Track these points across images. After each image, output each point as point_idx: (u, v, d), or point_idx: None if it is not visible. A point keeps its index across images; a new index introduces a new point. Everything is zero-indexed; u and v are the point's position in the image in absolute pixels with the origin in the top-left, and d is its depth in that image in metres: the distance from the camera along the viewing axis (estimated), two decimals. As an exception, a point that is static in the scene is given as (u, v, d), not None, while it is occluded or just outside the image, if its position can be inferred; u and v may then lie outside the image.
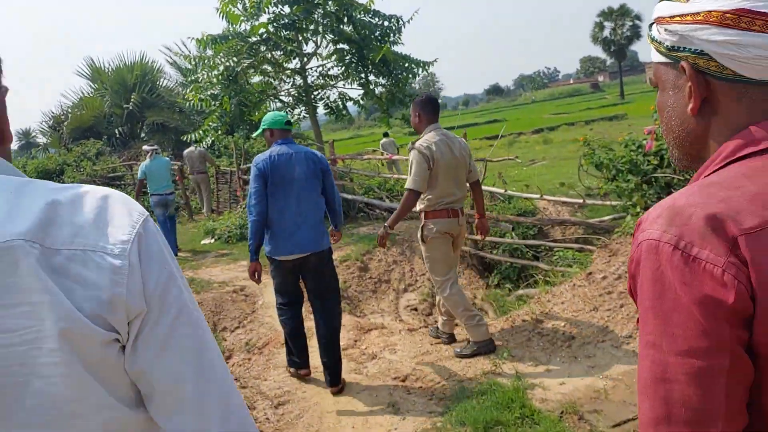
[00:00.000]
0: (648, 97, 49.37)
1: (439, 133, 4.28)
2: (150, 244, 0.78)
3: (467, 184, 4.53)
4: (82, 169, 17.41)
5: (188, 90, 12.14)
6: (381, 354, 4.92)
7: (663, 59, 0.89)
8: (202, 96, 11.12)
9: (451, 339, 4.79)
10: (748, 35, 0.77)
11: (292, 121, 4.18)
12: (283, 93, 12.58)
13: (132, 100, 20.72)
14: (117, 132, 21.13)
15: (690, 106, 0.86)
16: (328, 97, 12.16)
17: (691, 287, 0.73)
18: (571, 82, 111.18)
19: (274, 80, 12.43)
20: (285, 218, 3.92)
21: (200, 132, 11.31)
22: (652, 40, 0.91)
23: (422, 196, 4.25)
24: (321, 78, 11.94)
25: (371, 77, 11.45)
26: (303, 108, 12.14)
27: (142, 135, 21.63)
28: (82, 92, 22.36)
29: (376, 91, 11.72)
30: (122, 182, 16.93)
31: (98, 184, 17.04)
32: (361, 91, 11.88)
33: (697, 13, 0.81)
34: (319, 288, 4.16)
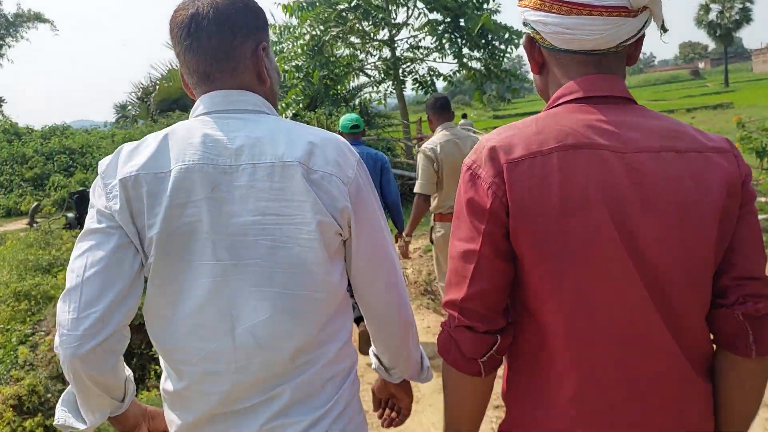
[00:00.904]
0: (756, 86, 45.50)
1: (449, 134, 4.10)
2: (361, 179, 1.17)
3: None
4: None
5: (272, 61, 11.65)
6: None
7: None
8: (286, 67, 10.58)
9: None
10: (550, 16, 1.00)
11: (360, 123, 4.37)
12: (369, 66, 11.90)
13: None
14: (202, 105, 21.11)
15: (532, 66, 1.13)
16: (417, 71, 11.35)
17: (468, 195, 1.01)
18: (669, 68, 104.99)
19: (361, 52, 11.77)
20: None
21: (282, 105, 10.75)
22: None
23: (433, 197, 4.13)
24: (411, 50, 11.13)
25: (465, 50, 10.56)
26: (390, 83, 11.41)
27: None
28: (171, 64, 22.51)
29: (471, 66, 10.83)
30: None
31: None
32: (453, 66, 11.02)
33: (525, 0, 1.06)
34: None
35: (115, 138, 18.91)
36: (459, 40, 10.42)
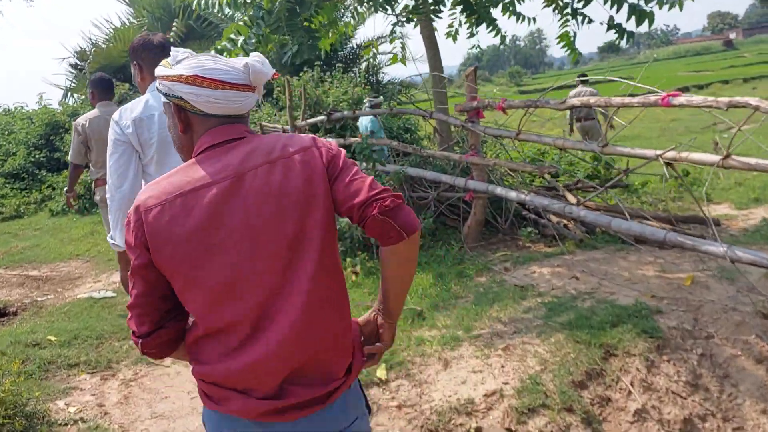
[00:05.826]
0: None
1: (101, 111, 5.02)
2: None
3: None
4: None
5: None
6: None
7: (165, 99, 1.51)
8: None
9: None
10: (200, 89, 1.42)
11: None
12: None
13: (174, 28, 15.49)
14: (155, 73, 16.03)
15: (179, 128, 1.52)
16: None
17: (126, 235, 1.44)
18: (697, 39, 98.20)
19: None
20: None
21: (214, 50, 5.78)
22: (157, 89, 1.54)
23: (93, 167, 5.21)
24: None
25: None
26: (408, 17, 6.45)
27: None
28: (119, 17, 17.48)
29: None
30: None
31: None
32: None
33: (175, 76, 1.44)
34: None
35: (34, 120, 14.06)
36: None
